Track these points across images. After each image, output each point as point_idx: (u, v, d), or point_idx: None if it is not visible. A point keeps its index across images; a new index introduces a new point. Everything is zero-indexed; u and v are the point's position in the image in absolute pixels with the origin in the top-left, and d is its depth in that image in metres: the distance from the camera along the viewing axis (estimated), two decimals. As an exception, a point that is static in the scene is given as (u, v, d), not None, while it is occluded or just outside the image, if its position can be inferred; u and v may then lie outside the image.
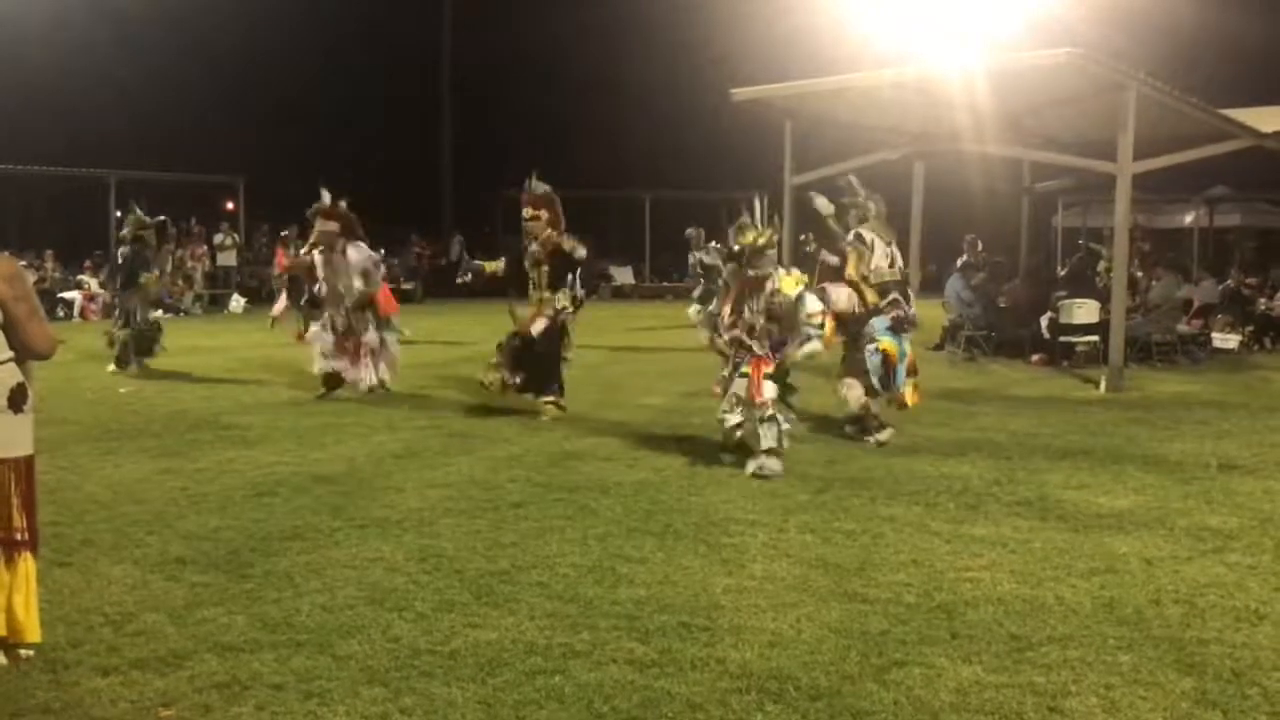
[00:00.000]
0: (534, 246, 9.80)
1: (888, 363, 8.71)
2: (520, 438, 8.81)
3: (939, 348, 15.58)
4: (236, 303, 24.76)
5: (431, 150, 36.07)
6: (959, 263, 16.64)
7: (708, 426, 9.42)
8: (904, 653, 4.38)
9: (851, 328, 8.88)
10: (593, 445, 8.54)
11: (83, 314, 22.15)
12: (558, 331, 9.76)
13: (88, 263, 23.83)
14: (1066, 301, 14.24)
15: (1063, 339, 14.18)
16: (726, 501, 6.78)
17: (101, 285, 23.08)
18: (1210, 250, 26.20)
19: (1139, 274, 16.01)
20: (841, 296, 8.80)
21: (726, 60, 24.36)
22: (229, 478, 7.42)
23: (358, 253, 10.76)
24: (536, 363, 9.72)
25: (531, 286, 9.81)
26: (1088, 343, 13.98)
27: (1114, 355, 12.25)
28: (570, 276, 9.77)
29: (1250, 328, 16.60)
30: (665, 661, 4.28)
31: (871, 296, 8.82)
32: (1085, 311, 14.09)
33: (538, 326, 9.60)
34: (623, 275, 31.34)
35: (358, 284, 10.70)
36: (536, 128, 34.23)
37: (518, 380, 9.76)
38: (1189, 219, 26.82)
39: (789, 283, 7.85)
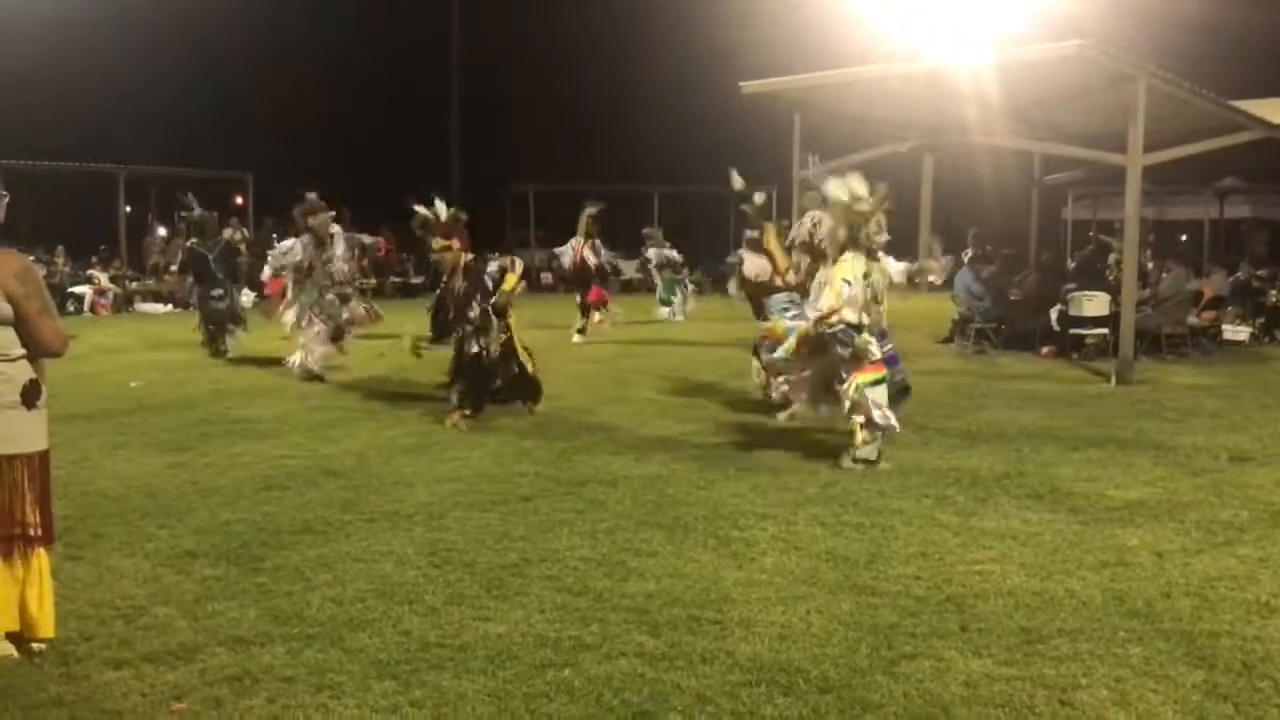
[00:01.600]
0: (458, 283, 9.02)
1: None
2: (529, 431, 8.81)
3: (948, 340, 15.57)
4: (246, 297, 24.78)
5: (439, 146, 36.09)
6: (967, 256, 16.61)
7: (716, 420, 9.43)
8: (914, 645, 4.38)
9: (759, 299, 9.35)
10: (601, 439, 8.54)
11: (93, 309, 22.22)
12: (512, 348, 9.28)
13: (95, 258, 23.91)
14: (1076, 294, 14.21)
15: (1072, 331, 14.15)
16: (735, 495, 6.78)
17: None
18: (1221, 243, 26.12)
19: (1150, 266, 15.98)
20: (755, 265, 9.50)
21: (735, 53, 24.30)
22: (239, 471, 7.44)
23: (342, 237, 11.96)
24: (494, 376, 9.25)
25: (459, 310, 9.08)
26: (1097, 335, 13.95)
27: (1124, 348, 12.23)
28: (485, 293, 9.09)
29: (1261, 320, 16.56)
30: (675, 654, 4.29)
31: (783, 264, 9.21)
32: (1095, 304, 14.06)
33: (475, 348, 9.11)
34: (631, 269, 31.31)
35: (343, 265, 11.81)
36: (543, 123, 34.23)
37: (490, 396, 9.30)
38: (1199, 211, 26.73)
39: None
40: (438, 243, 9.06)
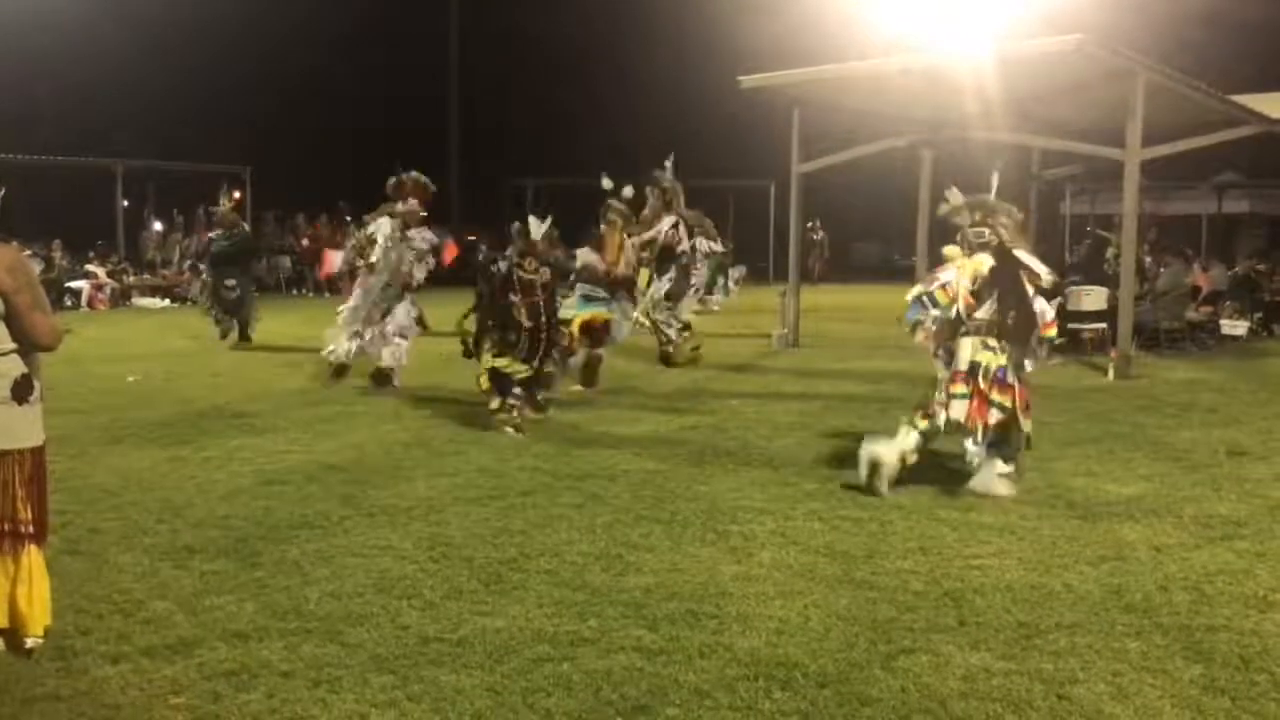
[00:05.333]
0: (515, 299, 8.68)
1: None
2: (528, 426, 8.80)
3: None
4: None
5: (438, 141, 36.06)
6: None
7: (715, 414, 9.43)
8: (912, 640, 4.39)
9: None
10: (600, 433, 8.54)
11: (90, 303, 22.18)
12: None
13: (93, 253, 23.88)
14: (1074, 289, 14.20)
15: (1070, 326, 14.13)
16: (734, 489, 6.78)
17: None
18: (1219, 237, 26.14)
19: (1148, 260, 15.97)
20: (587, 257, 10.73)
21: (735, 47, 24.28)
22: (238, 466, 7.44)
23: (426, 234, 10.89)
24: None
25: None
26: (1095, 330, 13.94)
27: (1122, 342, 12.23)
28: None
29: (1259, 314, 16.55)
30: (673, 649, 4.29)
31: (612, 257, 10.78)
32: (1093, 299, 14.06)
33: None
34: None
35: (418, 266, 10.80)
36: (542, 117, 34.18)
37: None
38: (1197, 206, 26.73)
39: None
40: (530, 263, 8.75)
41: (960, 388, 6.53)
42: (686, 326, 12.98)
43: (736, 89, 14.46)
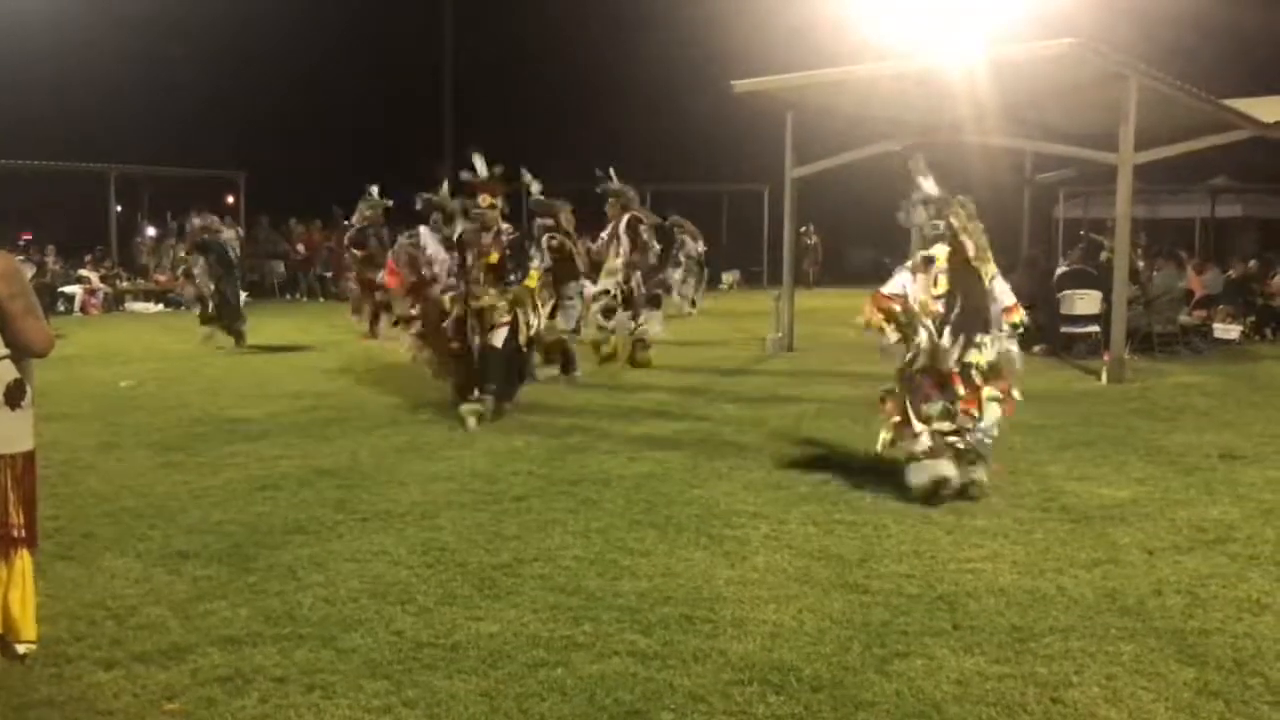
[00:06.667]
0: (486, 239, 8.97)
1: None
2: (522, 431, 8.80)
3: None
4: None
5: (432, 144, 36.06)
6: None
7: (709, 419, 9.44)
8: (906, 644, 4.39)
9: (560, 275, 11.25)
10: (594, 438, 8.54)
11: (84, 308, 22.14)
12: (515, 329, 9.16)
13: (87, 257, 23.85)
14: (1068, 292, 14.23)
15: (1064, 330, 14.17)
16: (728, 494, 6.78)
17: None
18: (1211, 241, 26.20)
19: (1140, 264, 15.99)
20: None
21: (729, 52, 24.29)
22: (231, 471, 7.43)
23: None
24: (502, 366, 9.14)
25: (473, 282, 8.99)
26: (1089, 334, 13.97)
27: (1116, 346, 12.25)
28: (521, 265, 9.30)
29: (1251, 318, 16.58)
30: (667, 653, 4.29)
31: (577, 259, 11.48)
32: (1086, 302, 14.08)
33: (498, 337, 8.99)
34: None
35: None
36: (537, 120, 34.16)
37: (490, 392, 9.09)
38: (1191, 210, 26.80)
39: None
40: (485, 199, 9.12)
41: (957, 388, 6.58)
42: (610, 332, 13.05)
43: (730, 93, 14.48)
